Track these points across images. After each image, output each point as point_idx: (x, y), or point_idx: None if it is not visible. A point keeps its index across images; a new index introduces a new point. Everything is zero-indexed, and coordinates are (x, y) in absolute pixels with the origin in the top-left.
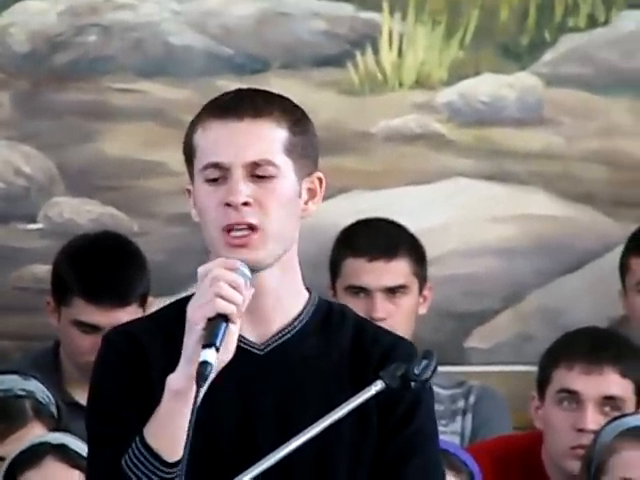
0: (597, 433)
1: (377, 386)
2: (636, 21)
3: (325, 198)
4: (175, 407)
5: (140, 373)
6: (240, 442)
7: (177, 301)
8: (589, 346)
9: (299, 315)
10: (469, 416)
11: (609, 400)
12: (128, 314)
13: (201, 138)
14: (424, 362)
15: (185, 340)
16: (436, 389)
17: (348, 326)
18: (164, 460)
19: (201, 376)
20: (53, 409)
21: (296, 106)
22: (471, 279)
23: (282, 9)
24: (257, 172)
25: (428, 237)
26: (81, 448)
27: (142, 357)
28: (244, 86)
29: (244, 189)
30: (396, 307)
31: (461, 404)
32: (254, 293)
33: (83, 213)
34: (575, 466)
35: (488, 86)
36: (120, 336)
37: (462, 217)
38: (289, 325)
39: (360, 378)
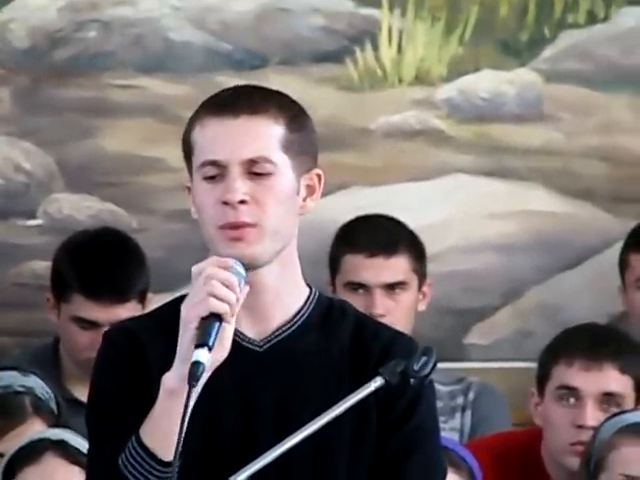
0: (596, 429)
1: (377, 382)
2: (636, 17)
3: (324, 194)
4: (170, 406)
5: (139, 371)
6: (240, 438)
7: (177, 298)
8: (589, 342)
9: (299, 311)
10: (468, 412)
11: (608, 396)
12: (127, 310)
13: (199, 135)
14: (423, 358)
15: (179, 339)
16: (435, 385)
17: (348, 322)
18: (160, 459)
19: (193, 376)
20: (53, 405)
21: (294, 102)
22: (470, 275)
23: (281, 5)
24: (254, 169)
25: (427, 233)
26: (81, 444)
27: (141, 355)
28: (243, 82)
29: (241, 187)
30: (395, 303)
31: (460, 400)
32: (253, 290)
33: (82, 209)
34: (574, 462)
35: (488, 82)
36: (120, 334)
37: (461, 213)
38: (289, 321)
39: (360, 374)
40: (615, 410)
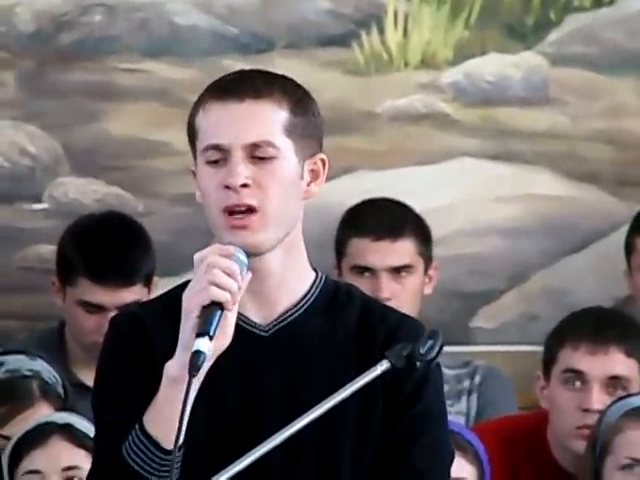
0: (602, 413)
1: (382, 366)
2: None
3: (330, 178)
4: (172, 394)
5: (145, 357)
6: (246, 423)
7: (183, 283)
8: (594, 326)
9: (305, 296)
10: (474, 396)
11: (614, 380)
12: (133, 294)
13: (202, 120)
14: (430, 342)
15: (181, 328)
16: (442, 369)
17: (355, 305)
18: (162, 447)
19: (193, 366)
20: (60, 389)
21: (298, 86)
22: (476, 259)
23: None
24: (257, 153)
25: (433, 217)
26: (87, 428)
27: (147, 341)
28: (249, 66)
29: (243, 171)
30: (401, 287)
31: (466, 384)
32: (258, 275)
33: (88, 193)
34: (580, 446)
35: (493, 66)
36: (126, 319)
37: (467, 197)
38: (295, 306)
39: (366, 357)
40: (621, 393)
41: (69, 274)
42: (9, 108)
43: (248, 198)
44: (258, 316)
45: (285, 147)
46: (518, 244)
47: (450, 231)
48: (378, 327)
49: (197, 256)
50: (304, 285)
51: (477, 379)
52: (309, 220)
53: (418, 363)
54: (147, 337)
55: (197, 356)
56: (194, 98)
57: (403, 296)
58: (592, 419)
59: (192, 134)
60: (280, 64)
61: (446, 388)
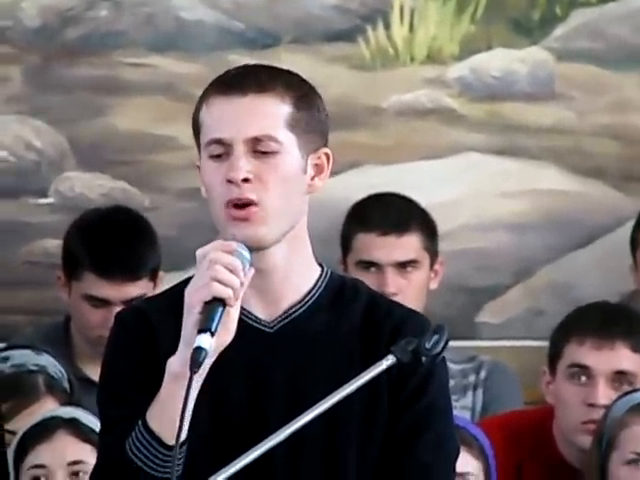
0: (608, 408)
1: (388, 360)
2: None
3: (336, 173)
4: (175, 390)
5: (150, 352)
6: (250, 419)
7: (188, 279)
8: (600, 321)
9: (310, 291)
10: (480, 391)
11: (620, 375)
12: (139, 288)
13: (206, 114)
14: (435, 337)
15: (183, 323)
16: (447, 364)
17: (360, 300)
18: (165, 443)
19: (194, 362)
20: (65, 384)
21: (303, 81)
22: (482, 254)
23: None
24: (259, 148)
25: (439, 212)
26: (92, 422)
27: (152, 336)
28: (255, 61)
29: (244, 165)
30: (407, 282)
31: (472, 379)
32: (262, 271)
33: (94, 188)
34: (586, 441)
35: (499, 61)
36: (131, 315)
37: (473, 192)
38: (299, 302)
39: (371, 352)
40: (627, 388)
41: (75, 268)
42: (15, 103)
43: (249, 192)
44: (263, 312)
45: (288, 141)
46: (524, 239)
47: (456, 226)
48: (383, 322)
49: (199, 252)
50: (309, 280)
51: (483, 374)
52: (315, 215)
53: (424, 358)
54: (152, 333)
55: (198, 352)
56: (200, 93)
57: (409, 291)
58: (598, 414)
59: (196, 129)
60: (286, 59)
61: (452, 383)
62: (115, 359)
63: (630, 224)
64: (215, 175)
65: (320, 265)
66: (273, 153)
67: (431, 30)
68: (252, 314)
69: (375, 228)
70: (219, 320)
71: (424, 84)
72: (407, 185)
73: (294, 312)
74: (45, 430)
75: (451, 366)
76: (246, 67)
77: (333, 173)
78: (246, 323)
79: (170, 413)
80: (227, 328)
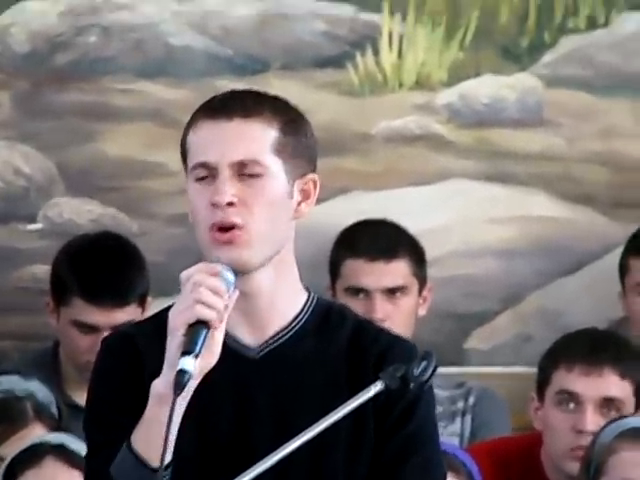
0: (596, 434)
1: (377, 387)
2: (636, 22)
3: (325, 199)
4: (159, 413)
5: (137, 377)
6: (237, 445)
7: (174, 304)
8: (589, 347)
9: (296, 317)
10: (468, 417)
11: (608, 401)
12: (127, 314)
13: (192, 138)
14: (423, 363)
15: (167, 346)
16: (435, 390)
17: (347, 326)
18: (149, 466)
19: (177, 385)
20: (54, 410)
21: (291, 107)
22: (471, 280)
23: (282, 10)
24: (244, 171)
25: (428, 238)
26: (81, 448)
27: (138, 360)
28: (244, 87)
29: (229, 189)
30: (396, 308)
31: (460, 405)
32: (248, 295)
33: (83, 213)
34: (574, 467)
35: (488, 87)
36: (117, 339)
37: (462, 218)
38: (286, 327)
39: (357, 377)
40: (615, 415)
41: (63, 294)
42: (4, 128)
43: (233, 216)
44: (249, 337)
45: (274, 166)
46: (512, 265)
47: (444, 252)
48: (370, 347)
49: (184, 274)
50: (296, 306)
51: (471, 400)
52: (303, 241)
53: (412, 384)
54: (139, 357)
55: (181, 375)
56: (189, 119)
57: (397, 317)
58: (586, 440)
59: (184, 153)
60: (275, 85)
61: (440, 409)
62: (101, 384)
63: (619, 250)
64: (200, 198)
65: (307, 290)
66: (258, 176)
67: (420, 56)
68: (238, 340)
69: (364, 254)
70: (203, 342)
71: (413, 110)
72: (396, 211)
73: (280, 337)
74: (33, 456)
75: (439, 392)
76: (233, 92)
77: (322, 199)
78: (232, 349)
79: (154, 435)
80: (211, 351)
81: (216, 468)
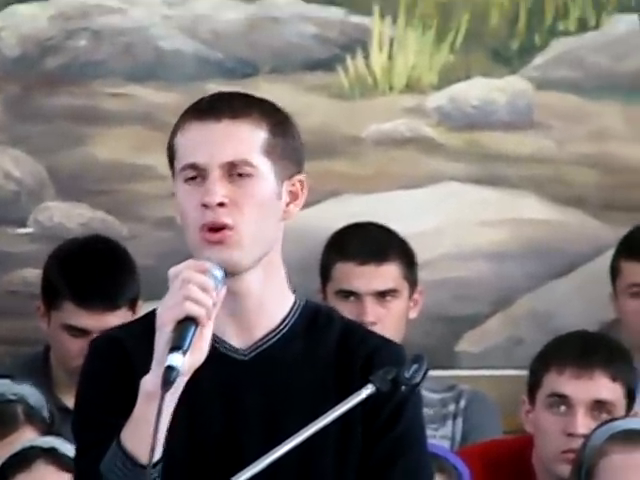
0: (587, 437)
1: (367, 390)
2: (627, 25)
3: (315, 202)
4: (148, 410)
5: (125, 377)
6: (225, 447)
7: None
8: (580, 350)
9: (284, 319)
10: (459, 420)
11: (599, 404)
12: (118, 318)
13: (181, 140)
14: (414, 366)
15: (155, 342)
16: (427, 393)
17: (335, 328)
18: (139, 462)
19: (166, 381)
20: (45, 413)
21: (278, 109)
22: (462, 283)
23: (272, 13)
24: (234, 172)
25: (419, 241)
26: (71, 451)
27: (126, 362)
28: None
29: (220, 190)
30: (386, 311)
31: (452, 408)
32: (237, 297)
33: (73, 217)
34: (565, 470)
35: (478, 90)
36: (104, 342)
37: (453, 221)
38: (274, 330)
39: (345, 378)
40: (606, 418)
41: (54, 298)
42: None
43: (224, 217)
44: (237, 340)
45: (263, 167)
46: (503, 268)
47: (435, 255)
48: (357, 349)
49: (172, 271)
50: (283, 308)
51: (462, 403)
52: (294, 244)
53: (403, 387)
54: (127, 358)
55: (169, 372)
56: None
57: (388, 320)
58: (577, 443)
59: (171, 155)
60: (265, 88)
61: (431, 412)
62: (90, 385)
63: (610, 253)
64: (190, 199)
65: (294, 292)
66: (249, 176)
67: (410, 59)
68: (226, 342)
69: (354, 257)
70: (191, 339)
71: (403, 113)
72: (386, 214)
73: (269, 340)
74: (24, 460)
75: (431, 395)
76: (220, 94)
77: (312, 202)
78: (220, 351)
79: (144, 432)
80: (200, 348)
81: (206, 469)
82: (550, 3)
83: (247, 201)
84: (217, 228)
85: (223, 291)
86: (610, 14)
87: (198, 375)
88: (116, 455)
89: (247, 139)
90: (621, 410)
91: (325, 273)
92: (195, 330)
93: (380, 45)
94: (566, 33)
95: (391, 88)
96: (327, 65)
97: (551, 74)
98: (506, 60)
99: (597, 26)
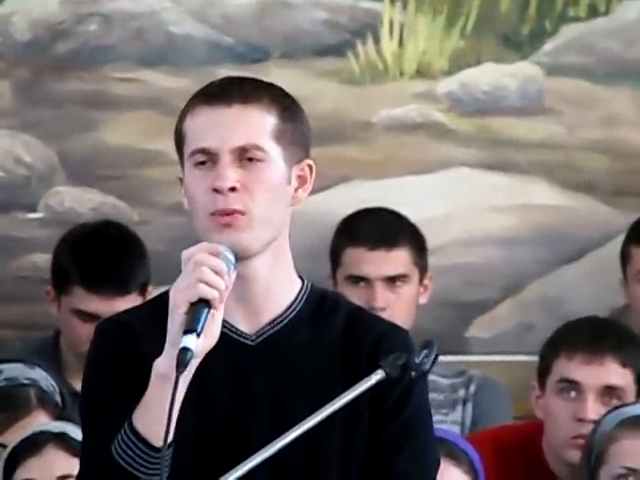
0: (597, 422)
1: (377, 375)
2: (637, 10)
3: (325, 188)
4: (161, 392)
5: (133, 360)
6: (233, 432)
7: (169, 290)
8: (590, 336)
9: (291, 304)
10: (469, 405)
11: (609, 390)
12: (128, 303)
13: (190, 124)
14: (425, 351)
15: (168, 324)
16: (437, 378)
17: (341, 313)
18: (151, 444)
19: (180, 363)
20: (57, 398)
21: (286, 94)
22: (472, 269)
23: None
24: (245, 157)
25: (429, 226)
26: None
27: (133, 345)
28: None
29: (231, 174)
30: (396, 296)
31: (462, 393)
32: (245, 281)
33: (84, 202)
34: (575, 456)
35: (489, 75)
36: (111, 325)
37: (463, 207)
38: (281, 315)
39: (352, 364)
40: (616, 403)
41: (64, 283)
42: (5, 117)
43: (236, 202)
44: (244, 325)
45: (273, 152)
46: (514, 254)
47: (446, 241)
48: (364, 335)
49: (185, 253)
50: (290, 293)
51: (472, 388)
52: (304, 230)
53: (414, 373)
54: (134, 341)
55: (184, 353)
56: None
57: (398, 306)
58: (587, 429)
59: (179, 139)
60: (275, 74)
61: (441, 397)
62: (96, 369)
63: (620, 238)
64: (199, 184)
65: (300, 278)
66: (260, 161)
67: (421, 45)
68: (234, 327)
69: (364, 243)
70: (205, 321)
71: (413, 99)
72: (396, 200)
73: (276, 325)
74: (34, 444)
75: (441, 380)
76: (230, 79)
77: (323, 188)
78: (228, 336)
79: (156, 414)
80: (211, 331)
81: (213, 453)
82: None
83: (258, 186)
84: (228, 214)
85: (234, 274)
86: (620, 0)
87: (206, 359)
88: (127, 438)
89: (258, 124)
90: (631, 396)
91: (335, 258)
92: (208, 313)
93: (391, 30)
94: (576, 19)
95: (401, 73)
96: (338, 50)
97: (562, 60)
98: (517, 46)
99: (607, 12)
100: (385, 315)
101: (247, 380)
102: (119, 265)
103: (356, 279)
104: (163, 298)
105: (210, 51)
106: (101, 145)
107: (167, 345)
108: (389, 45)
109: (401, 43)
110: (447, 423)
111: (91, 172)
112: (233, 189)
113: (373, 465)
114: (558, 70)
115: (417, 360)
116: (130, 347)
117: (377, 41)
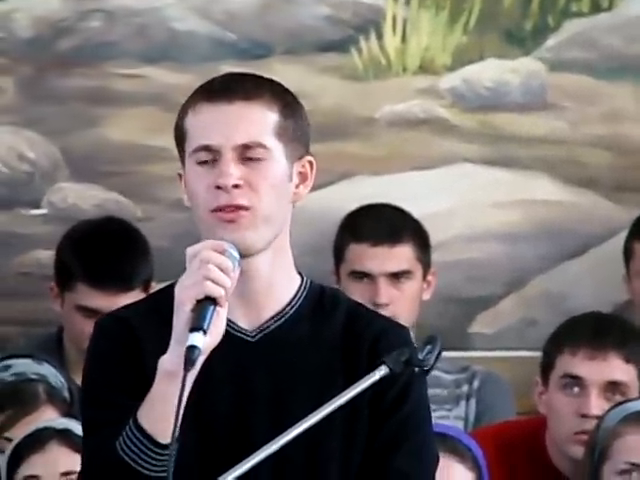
0: (600, 418)
1: (381, 371)
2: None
3: (328, 183)
4: (167, 388)
5: (132, 356)
6: (234, 428)
7: (171, 284)
8: (593, 331)
9: (291, 301)
10: (473, 401)
11: (613, 385)
12: (131, 299)
13: (191, 121)
14: (428, 347)
15: (174, 321)
16: (440, 374)
17: (341, 310)
18: (157, 441)
19: (188, 361)
20: (65, 393)
21: (287, 90)
22: (475, 264)
23: None
24: (247, 154)
25: (432, 222)
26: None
27: (134, 341)
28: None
29: (234, 172)
30: (400, 292)
31: (465, 389)
32: (246, 278)
33: (87, 198)
34: (579, 451)
35: (492, 71)
36: (111, 321)
37: (466, 202)
38: (281, 311)
39: (352, 360)
40: (619, 399)
41: (67, 279)
42: (8, 114)
43: (239, 198)
44: (244, 321)
45: (275, 149)
46: (516, 249)
47: (449, 236)
48: (364, 332)
49: (190, 250)
50: (290, 290)
51: (476, 384)
52: (307, 226)
53: (417, 369)
54: (133, 337)
55: (192, 351)
56: None
57: (401, 302)
58: (590, 424)
59: (180, 136)
60: (278, 70)
61: (444, 393)
62: (96, 364)
63: (623, 234)
64: (202, 181)
65: (300, 274)
66: (261, 160)
67: (424, 40)
68: (234, 323)
69: (367, 239)
70: (211, 319)
71: (416, 94)
72: (399, 195)
73: (276, 321)
74: (38, 441)
75: (444, 376)
76: (231, 75)
77: (325, 183)
78: (229, 332)
79: (162, 411)
80: (217, 328)
81: (214, 449)
82: None
83: (262, 183)
84: (231, 210)
85: (238, 271)
86: None
87: (208, 356)
88: (132, 434)
89: (260, 121)
90: (634, 391)
91: (338, 254)
92: (214, 310)
93: (393, 26)
94: (579, 14)
95: (404, 69)
96: (340, 46)
97: (564, 55)
98: (519, 41)
99: (610, 7)
100: (388, 311)
101: (248, 377)
102: (122, 261)
103: (359, 275)
104: (163, 293)
105: (213, 47)
106: (104, 141)
107: (172, 342)
108: (392, 41)
109: (404, 39)
110: (450, 419)
111: (94, 168)
112: (236, 186)
113: (372, 462)
114: (561, 66)
115: (421, 356)
116: (130, 342)
117: (380, 37)
